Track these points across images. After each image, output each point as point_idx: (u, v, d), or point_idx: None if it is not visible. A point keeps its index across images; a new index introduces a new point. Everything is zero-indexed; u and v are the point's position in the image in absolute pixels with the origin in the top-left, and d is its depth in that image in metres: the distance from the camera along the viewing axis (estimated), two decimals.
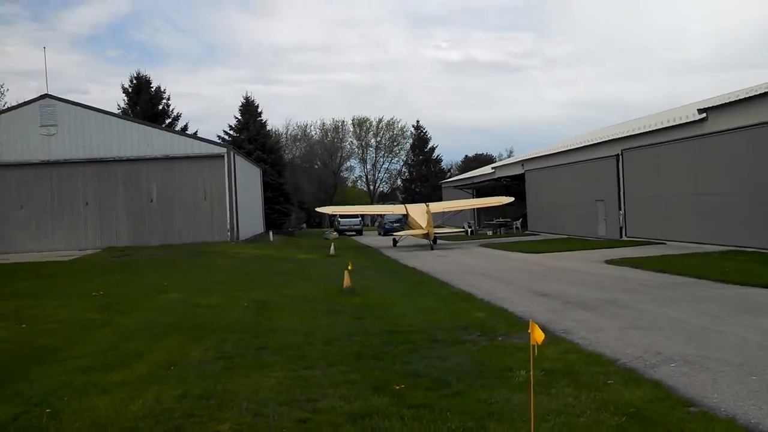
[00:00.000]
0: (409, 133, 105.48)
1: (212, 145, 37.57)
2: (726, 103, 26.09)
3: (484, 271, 22.06)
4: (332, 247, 32.44)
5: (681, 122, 28.88)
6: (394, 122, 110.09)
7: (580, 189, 39.40)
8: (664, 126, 30.34)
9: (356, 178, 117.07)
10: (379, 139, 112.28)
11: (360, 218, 65.31)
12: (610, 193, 35.63)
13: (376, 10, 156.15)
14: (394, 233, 55.82)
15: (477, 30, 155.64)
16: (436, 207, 37.83)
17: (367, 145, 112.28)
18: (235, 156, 37.69)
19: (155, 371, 8.50)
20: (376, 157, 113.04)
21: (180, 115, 57.09)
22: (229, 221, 36.11)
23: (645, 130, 32.19)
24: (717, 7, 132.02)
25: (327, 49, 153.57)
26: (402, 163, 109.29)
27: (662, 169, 30.47)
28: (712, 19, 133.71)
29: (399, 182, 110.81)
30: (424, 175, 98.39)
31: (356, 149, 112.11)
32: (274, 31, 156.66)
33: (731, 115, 25.72)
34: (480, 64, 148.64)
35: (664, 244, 29.26)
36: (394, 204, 67.28)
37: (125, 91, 55.91)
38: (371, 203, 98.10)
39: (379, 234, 60.21)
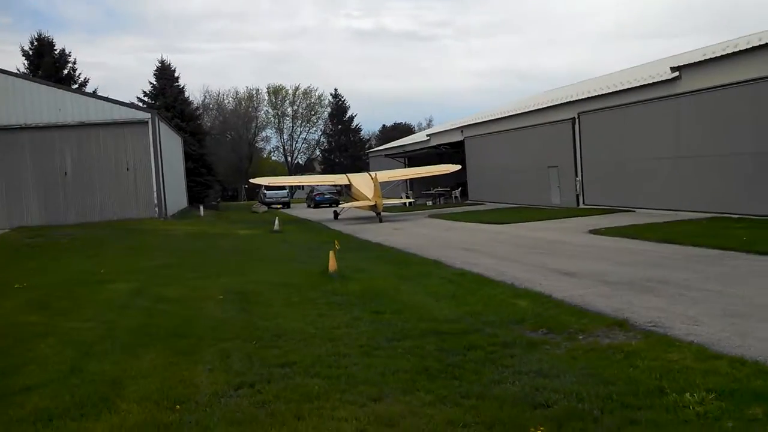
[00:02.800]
0: (326, 101, 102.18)
1: (134, 110, 33.55)
2: (701, 61, 24.60)
3: (464, 246, 19.81)
4: (276, 222, 29.46)
5: (651, 81, 27.30)
6: (311, 90, 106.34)
7: (530, 155, 37.68)
8: (631, 86, 28.73)
9: (273, 148, 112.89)
10: (295, 108, 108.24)
11: (287, 190, 62.07)
12: (565, 159, 34.04)
13: None
14: (335, 205, 53.54)
15: None
16: (383, 176, 35.25)
17: (284, 114, 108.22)
18: (160, 122, 33.87)
19: (156, 415, 5.71)
20: (293, 126, 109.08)
21: (88, 81, 51.91)
22: (156, 195, 32.44)
23: (607, 91, 30.54)
24: None
25: (237, 16, 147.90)
26: (320, 133, 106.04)
27: (628, 133, 28.94)
28: None
29: (318, 152, 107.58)
30: (344, 144, 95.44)
31: (272, 119, 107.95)
32: None
33: (707, 73, 24.26)
34: (393, 34, 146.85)
35: (633, 211, 27.83)
36: (321, 174, 64.23)
37: (25, 54, 50.12)
38: (288, 174, 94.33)
39: (308, 206, 57.37)
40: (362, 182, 35.90)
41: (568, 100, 33.67)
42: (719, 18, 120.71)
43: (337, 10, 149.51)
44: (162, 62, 55.91)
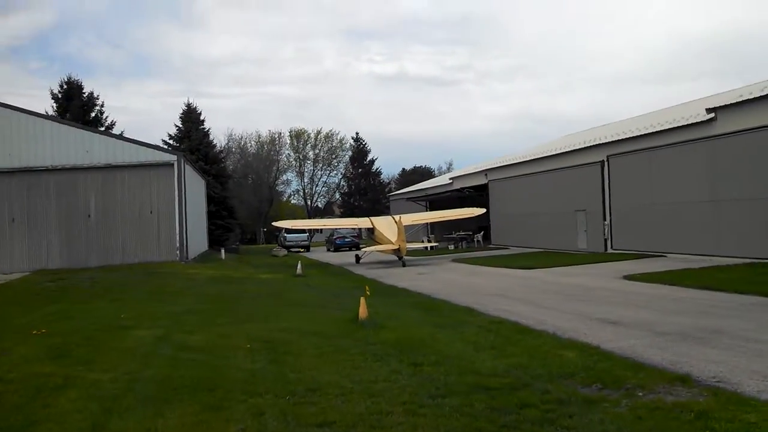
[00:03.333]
0: (348, 145, 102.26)
1: (160, 152, 33.43)
2: (738, 102, 24.07)
3: (495, 292, 19.16)
4: (299, 266, 29.00)
5: (685, 123, 26.76)
6: (332, 134, 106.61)
7: (555, 199, 37.13)
8: (664, 128, 28.21)
9: (293, 192, 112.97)
10: (317, 151, 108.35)
11: (307, 233, 61.68)
12: (593, 203, 33.42)
13: (309, 24, 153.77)
14: (355, 249, 52.97)
15: (411, 44, 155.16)
16: (406, 220, 34.76)
17: (305, 157, 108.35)
18: (186, 165, 33.75)
19: None
20: (313, 170, 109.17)
21: (114, 124, 52.48)
22: (178, 238, 32.10)
23: (638, 134, 30.01)
24: (642, 21, 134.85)
25: (261, 62, 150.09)
26: (341, 176, 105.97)
27: (659, 176, 28.35)
28: (639, 33, 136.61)
29: (337, 196, 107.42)
30: (364, 188, 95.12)
31: (293, 162, 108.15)
32: (206, 43, 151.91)
33: (745, 114, 23.73)
34: (414, 78, 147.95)
35: (665, 256, 27.06)
36: (342, 218, 63.79)
37: (54, 96, 50.83)
38: (308, 218, 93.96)
39: (329, 250, 56.91)
40: (385, 225, 35.43)
41: (597, 143, 33.17)
42: (737, 63, 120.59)
43: (359, 55, 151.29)
44: (188, 105, 56.45)
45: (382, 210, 78.82)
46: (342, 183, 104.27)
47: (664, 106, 40.80)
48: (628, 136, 30.73)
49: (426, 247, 41.51)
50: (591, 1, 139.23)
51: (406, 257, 32.86)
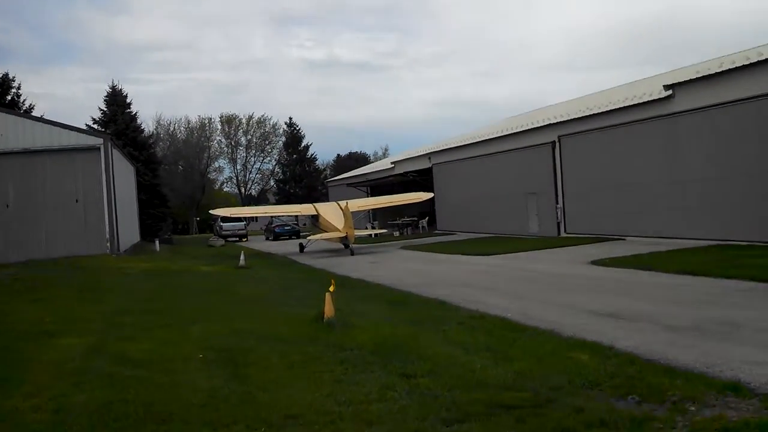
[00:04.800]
0: (281, 131, 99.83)
1: (85, 135, 30.71)
2: (697, 78, 23.36)
3: (462, 282, 17.84)
4: (242, 257, 27.07)
5: (641, 101, 25.94)
6: (265, 119, 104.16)
7: (505, 182, 36.11)
8: (618, 106, 27.39)
9: (226, 179, 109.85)
10: (249, 137, 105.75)
11: (245, 222, 59.32)
12: (545, 185, 32.52)
13: (236, 9, 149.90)
14: (295, 237, 50.98)
15: (340, 30, 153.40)
16: (353, 206, 33.14)
17: (237, 144, 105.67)
18: (113, 149, 31.21)
19: None
20: (246, 156, 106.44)
21: (33, 107, 48.53)
22: (108, 229, 29.68)
23: (591, 113, 29.13)
24: (565, 11, 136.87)
25: (188, 47, 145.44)
26: (275, 163, 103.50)
27: (615, 156, 27.55)
28: (561, 22, 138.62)
29: (272, 183, 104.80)
30: (299, 174, 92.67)
31: (225, 148, 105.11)
32: (130, 28, 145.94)
33: (705, 90, 23.00)
34: (345, 64, 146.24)
35: (623, 239, 26.34)
36: (281, 205, 61.60)
37: None
38: (241, 206, 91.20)
39: (268, 239, 54.87)
40: (331, 212, 33.77)
41: (547, 123, 32.19)
42: (662, 50, 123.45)
43: (288, 41, 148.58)
44: (113, 87, 53.19)
45: (318, 197, 76.95)
46: (276, 170, 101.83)
47: (589, 92, 40.77)
48: (581, 116, 29.83)
49: (371, 235, 40.02)
50: None
51: (353, 245, 31.32)
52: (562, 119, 31.16)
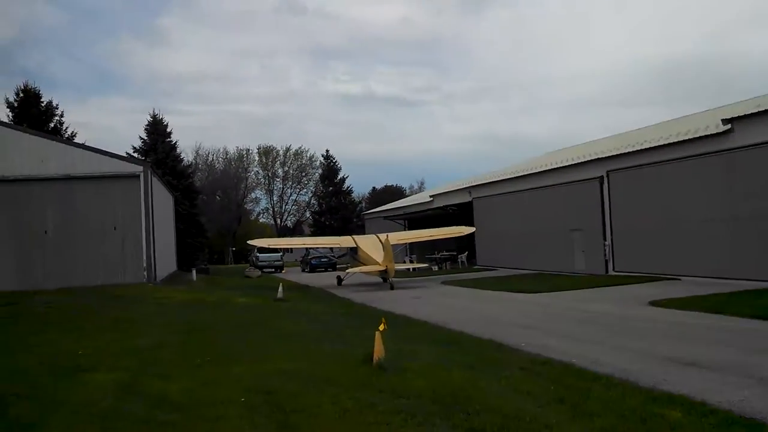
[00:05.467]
0: (317, 163, 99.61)
1: (125, 162, 30.44)
2: (757, 112, 22.20)
3: (513, 320, 16.88)
4: (280, 289, 26.38)
5: (696, 135, 24.87)
6: (302, 152, 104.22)
7: (549, 217, 35.03)
8: (670, 141, 26.31)
9: (262, 210, 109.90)
10: (286, 169, 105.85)
11: (281, 253, 58.86)
12: (591, 222, 31.37)
13: (275, 42, 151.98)
14: (331, 269, 50.27)
15: (376, 64, 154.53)
16: (393, 239, 32.32)
17: (274, 175, 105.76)
18: (153, 176, 30.92)
19: None
20: (283, 188, 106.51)
21: (75, 135, 48.95)
22: (145, 257, 29.22)
23: (641, 147, 28.07)
24: (603, 49, 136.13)
25: (225, 79, 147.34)
26: (311, 195, 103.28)
27: (668, 192, 26.39)
28: (600, 60, 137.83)
29: (307, 214, 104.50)
30: (335, 207, 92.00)
31: (262, 180, 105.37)
32: (171, 60, 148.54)
33: (764, 125, 21.85)
34: (380, 98, 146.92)
35: (678, 279, 25.07)
36: (320, 236, 61.01)
37: (9, 105, 47.28)
38: (277, 237, 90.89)
39: (303, 271, 54.18)
40: (370, 245, 33.00)
41: (595, 157, 31.16)
42: (696, 90, 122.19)
43: (324, 75, 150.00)
44: (154, 116, 53.49)
45: (354, 229, 76.32)
46: (312, 201, 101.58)
47: (623, 129, 39.92)
48: (631, 150, 28.76)
49: (409, 269, 39.12)
50: (551, 27, 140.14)
51: (392, 279, 30.44)
52: (610, 154, 30.09)
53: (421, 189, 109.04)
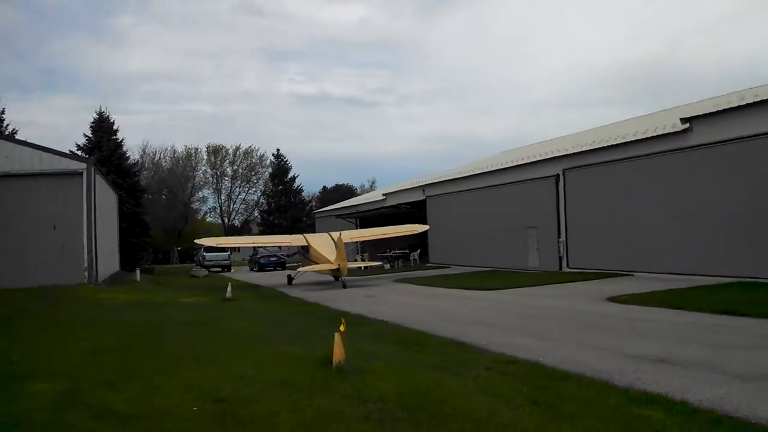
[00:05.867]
0: (268, 162, 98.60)
1: (67, 159, 29.04)
2: (715, 112, 22.36)
3: (472, 318, 16.48)
4: (229, 288, 25.54)
5: (655, 134, 24.94)
6: (252, 150, 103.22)
7: (503, 215, 34.92)
8: (628, 140, 26.37)
9: (209, 209, 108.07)
10: (235, 167, 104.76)
11: (229, 252, 57.66)
12: (546, 219, 31.36)
13: (230, 43, 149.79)
14: (280, 268, 49.34)
15: (333, 66, 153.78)
16: (346, 237, 31.67)
17: (223, 174, 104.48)
18: (96, 174, 29.63)
19: None
20: (231, 186, 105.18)
21: (16, 132, 46.92)
22: (86, 258, 27.97)
23: (599, 146, 28.09)
24: (557, 52, 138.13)
25: (178, 78, 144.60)
26: (260, 194, 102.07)
27: (624, 190, 26.48)
28: (552, 61, 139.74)
29: (256, 213, 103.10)
30: (284, 205, 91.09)
31: (210, 178, 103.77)
32: (121, 58, 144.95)
33: (723, 124, 21.98)
34: (335, 99, 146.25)
35: (631, 275, 25.15)
36: (268, 235, 59.88)
37: None
38: (224, 236, 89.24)
39: (252, 270, 53.15)
40: (322, 243, 32.34)
41: (552, 156, 31.10)
42: (641, 90, 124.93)
43: (279, 76, 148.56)
44: (100, 114, 51.65)
45: (303, 228, 75.59)
46: (261, 200, 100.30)
47: (578, 130, 40.29)
48: (588, 149, 28.77)
49: (360, 267, 38.56)
50: (506, 30, 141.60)
51: (344, 278, 29.84)
52: (567, 152, 30.05)
53: (372, 188, 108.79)
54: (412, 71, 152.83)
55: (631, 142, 26.00)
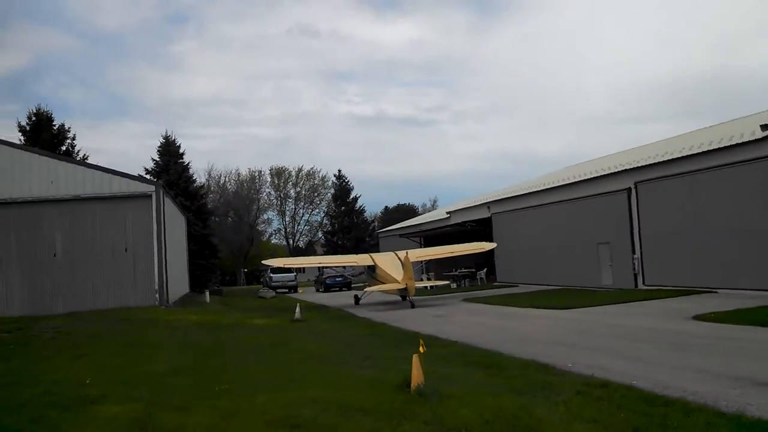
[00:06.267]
0: (329, 183, 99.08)
1: (136, 182, 29.56)
2: None
3: (549, 339, 15.72)
4: (297, 309, 25.35)
5: (732, 143, 23.77)
6: (314, 172, 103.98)
7: (572, 231, 33.91)
8: (703, 150, 25.22)
9: (274, 231, 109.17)
10: (298, 189, 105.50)
11: (294, 273, 57.87)
12: (619, 235, 30.24)
13: (287, 65, 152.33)
14: (346, 289, 49.22)
15: (388, 85, 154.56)
16: (412, 256, 31.19)
17: (286, 196, 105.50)
18: (165, 197, 30.04)
19: None
20: (295, 208, 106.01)
21: (87, 157, 48.34)
22: (157, 279, 28.27)
23: (673, 157, 26.98)
24: (611, 66, 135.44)
25: (238, 103, 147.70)
26: (323, 215, 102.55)
27: (701, 202, 25.27)
28: (608, 77, 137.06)
29: (320, 234, 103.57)
30: (347, 226, 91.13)
31: (274, 200, 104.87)
32: (184, 85, 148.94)
33: None
34: (391, 119, 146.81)
35: (714, 292, 23.87)
36: (337, 255, 59.85)
37: (22, 129, 46.72)
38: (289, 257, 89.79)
39: (318, 290, 53.14)
40: (389, 263, 31.94)
41: (622, 168, 30.06)
42: (705, 105, 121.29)
43: (337, 97, 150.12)
44: (166, 137, 52.85)
45: (366, 248, 75.43)
46: (324, 221, 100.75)
47: (635, 145, 39.04)
48: (661, 160, 27.66)
49: (427, 287, 37.99)
50: (559, 45, 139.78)
51: (412, 297, 29.33)
52: (638, 164, 28.98)
53: (434, 207, 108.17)
54: (466, 88, 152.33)
55: (709, 151, 24.82)
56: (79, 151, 48.26)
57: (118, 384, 11.31)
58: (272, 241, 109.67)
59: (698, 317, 17.52)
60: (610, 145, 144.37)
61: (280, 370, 12.37)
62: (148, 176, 50.67)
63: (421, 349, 9.85)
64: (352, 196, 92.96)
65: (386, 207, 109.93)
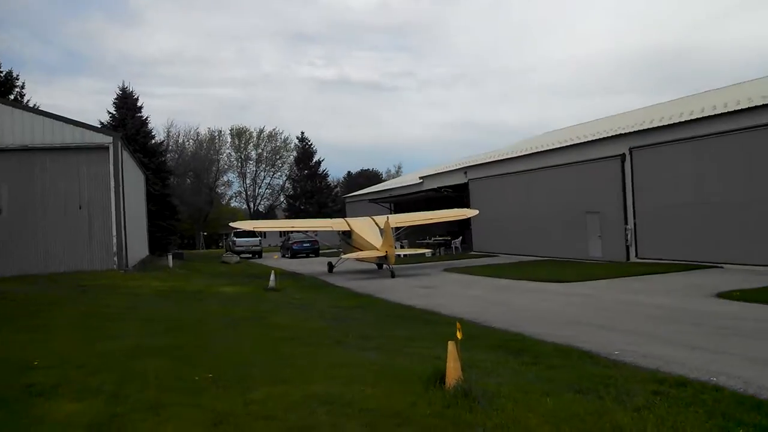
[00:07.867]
0: (292, 145, 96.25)
1: (92, 132, 26.53)
2: None
3: (571, 318, 13.98)
4: (272, 277, 23.25)
5: (741, 108, 22.21)
6: (276, 134, 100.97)
7: (559, 200, 32.26)
8: (708, 114, 23.64)
9: (234, 193, 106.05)
10: (260, 151, 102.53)
11: (260, 238, 55.50)
12: (610, 204, 28.67)
13: (249, 26, 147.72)
14: (313, 255, 47.18)
15: (352, 49, 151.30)
16: (393, 222, 29.16)
17: (247, 158, 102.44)
18: (123, 150, 27.38)
19: None
20: (256, 171, 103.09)
21: (39, 107, 44.67)
22: (116, 241, 25.81)
23: (671, 122, 25.36)
24: (574, 39, 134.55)
25: (199, 62, 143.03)
26: (285, 178, 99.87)
27: (704, 170, 23.78)
28: (571, 49, 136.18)
29: (282, 199, 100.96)
30: (310, 191, 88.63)
31: (235, 162, 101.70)
32: (143, 42, 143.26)
33: None
34: (355, 83, 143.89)
35: (720, 267, 22.50)
36: (310, 219, 57.41)
37: None
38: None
39: (284, 256, 50.89)
40: (366, 228, 29.97)
41: (615, 133, 28.37)
42: (662, 79, 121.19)
43: (299, 59, 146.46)
44: (123, 90, 49.49)
45: (330, 213, 73.55)
46: (287, 185, 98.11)
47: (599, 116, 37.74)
48: (659, 125, 26.03)
49: (400, 255, 36.10)
50: (525, 15, 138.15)
51: (392, 266, 27.44)
52: (635, 129, 27.31)
53: (398, 173, 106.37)
54: (432, 55, 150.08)
55: (714, 116, 23.20)
56: (29, 101, 44.74)
57: (73, 369, 9.17)
58: (232, 204, 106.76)
59: (723, 295, 15.97)
60: (575, 118, 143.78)
61: (268, 354, 10.35)
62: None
63: (458, 334, 7.89)
64: (315, 160, 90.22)
65: (349, 172, 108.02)
